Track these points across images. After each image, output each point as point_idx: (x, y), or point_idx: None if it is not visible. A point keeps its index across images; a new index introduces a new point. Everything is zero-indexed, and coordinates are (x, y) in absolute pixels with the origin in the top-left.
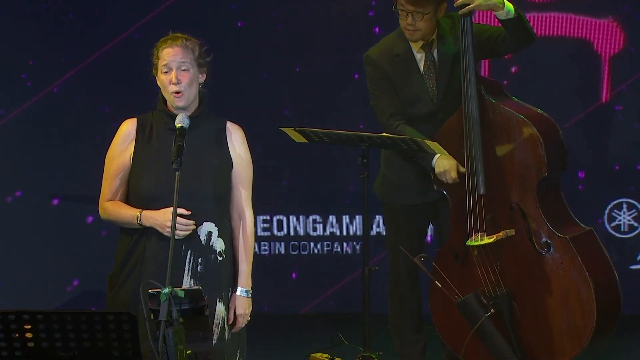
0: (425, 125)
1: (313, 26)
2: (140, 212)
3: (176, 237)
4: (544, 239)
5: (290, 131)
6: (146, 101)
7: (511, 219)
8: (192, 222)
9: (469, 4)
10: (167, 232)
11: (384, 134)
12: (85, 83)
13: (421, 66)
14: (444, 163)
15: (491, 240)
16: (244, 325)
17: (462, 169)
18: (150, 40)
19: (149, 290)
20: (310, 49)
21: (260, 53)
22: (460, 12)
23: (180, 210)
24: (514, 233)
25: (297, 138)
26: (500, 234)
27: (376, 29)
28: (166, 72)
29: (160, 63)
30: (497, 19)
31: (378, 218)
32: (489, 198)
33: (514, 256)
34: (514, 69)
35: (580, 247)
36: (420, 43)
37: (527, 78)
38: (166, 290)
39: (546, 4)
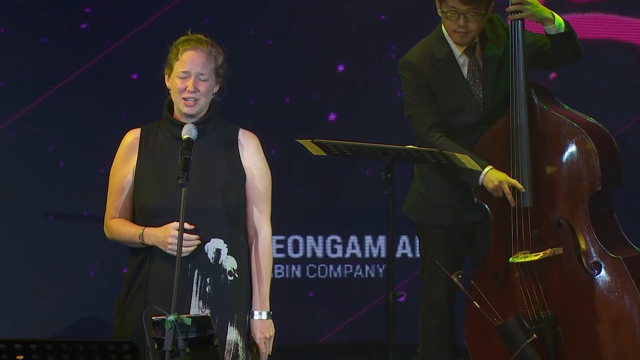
0: (471, 136)
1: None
2: (143, 229)
3: (184, 254)
4: (594, 259)
5: (307, 143)
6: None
7: (559, 236)
8: (194, 236)
9: (520, 12)
10: (168, 249)
11: (409, 146)
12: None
13: (465, 71)
14: (496, 175)
15: (537, 257)
16: (268, 350)
17: (514, 182)
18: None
19: (153, 318)
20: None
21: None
22: (510, 17)
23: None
24: (561, 251)
25: (315, 151)
26: (547, 251)
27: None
28: (183, 78)
29: (179, 66)
30: (546, 33)
31: (403, 238)
32: (535, 212)
33: (560, 277)
34: (552, 75)
35: (633, 269)
36: (464, 47)
37: (567, 85)
38: (171, 318)
39: (588, 4)
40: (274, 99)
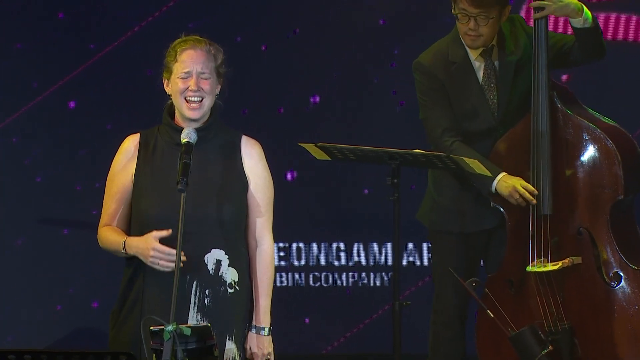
0: (483, 142)
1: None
2: (125, 239)
3: (166, 269)
4: (614, 270)
5: (310, 147)
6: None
7: (578, 245)
8: (174, 251)
9: (544, 8)
10: (149, 262)
11: (416, 150)
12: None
13: (480, 75)
14: (510, 182)
15: (556, 267)
16: None
17: (527, 185)
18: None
19: (151, 328)
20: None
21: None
22: (534, 16)
23: (162, 233)
24: (580, 261)
25: (319, 155)
26: (566, 261)
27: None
28: (185, 78)
29: (179, 67)
30: (572, 26)
31: (410, 246)
32: (554, 220)
33: (578, 287)
34: (565, 76)
35: None
36: (480, 50)
37: (581, 88)
38: (170, 328)
39: (604, 3)
40: (272, 104)
